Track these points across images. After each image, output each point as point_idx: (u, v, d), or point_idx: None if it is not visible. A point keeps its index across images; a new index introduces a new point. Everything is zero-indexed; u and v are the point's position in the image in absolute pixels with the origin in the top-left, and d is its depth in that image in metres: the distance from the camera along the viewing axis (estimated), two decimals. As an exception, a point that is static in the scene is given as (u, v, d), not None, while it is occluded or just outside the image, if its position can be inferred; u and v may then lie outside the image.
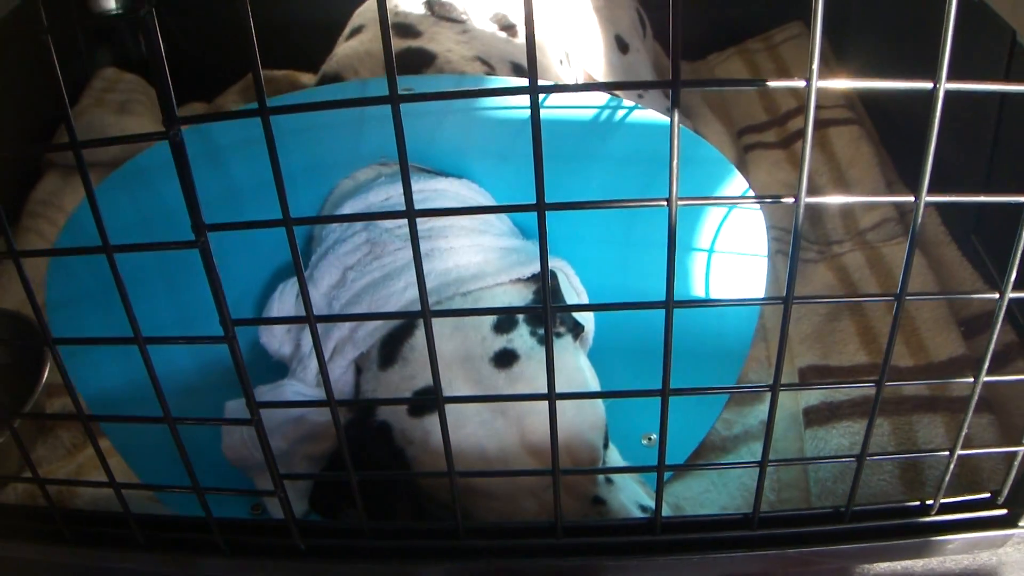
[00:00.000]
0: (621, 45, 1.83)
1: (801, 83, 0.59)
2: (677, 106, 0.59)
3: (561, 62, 1.69)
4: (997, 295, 0.76)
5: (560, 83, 1.09)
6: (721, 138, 1.96)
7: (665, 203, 0.62)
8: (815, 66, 0.58)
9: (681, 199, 0.62)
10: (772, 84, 0.64)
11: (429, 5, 1.57)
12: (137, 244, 0.67)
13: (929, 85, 0.61)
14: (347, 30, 1.62)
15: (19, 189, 1.98)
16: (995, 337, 0.79)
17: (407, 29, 1.49)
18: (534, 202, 0.61)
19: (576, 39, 1.77)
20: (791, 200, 0.65)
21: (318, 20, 2.21)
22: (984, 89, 0.69)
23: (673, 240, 0.63)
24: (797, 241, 0.67)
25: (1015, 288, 0.75)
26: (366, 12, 1.67)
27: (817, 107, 1.73)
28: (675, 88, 0.58)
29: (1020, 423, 1.24)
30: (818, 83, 0.59)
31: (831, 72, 2.09)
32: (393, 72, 0.58)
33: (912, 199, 0.68)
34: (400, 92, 0.59)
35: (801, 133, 1.81)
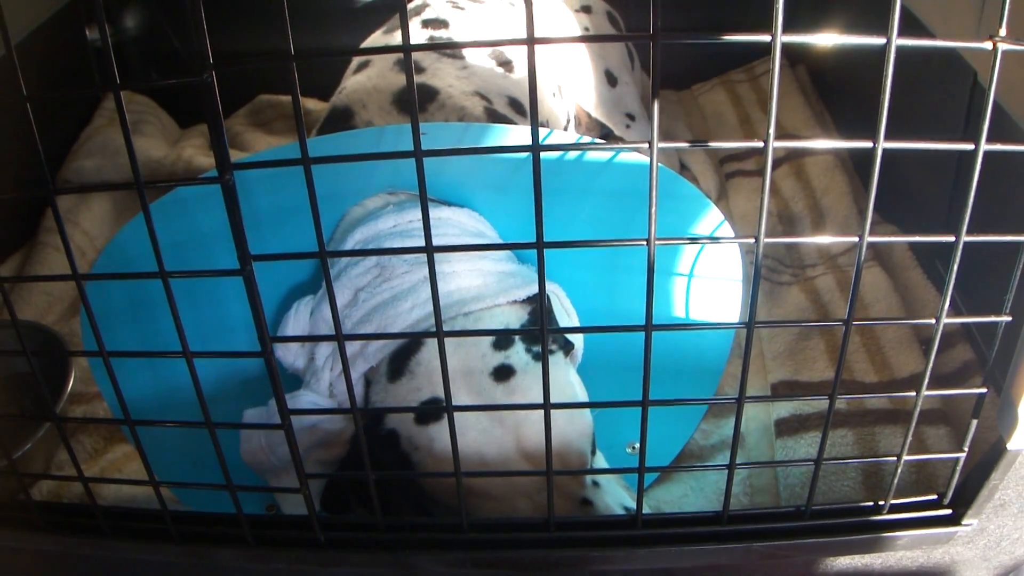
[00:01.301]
0: (611, 79, 1.93)
1: (767, 37, 0.67)
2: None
3: (554, 95, 1.80)
4: (933, 320, 0.85)
5: (560, 142, 1.19)
6: (704, 166, 2.06)
7: (645, 243, 0.73)
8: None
9: (659, 239, 0.73)
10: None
11: (431, 42, 1.67)
12: (191, 271, 0.77)
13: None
14: (353, 63, 1.71)
15: (37, 205, 2.07)
16: (932, 359, 0.88)
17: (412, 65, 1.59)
18: (534, 240, 0.72)
19: (568, 72, 1.88)
20: (751, 240, 0.75)
21: (323, 48, 2.32)
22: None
23: (651, 274, 0.74)
24: (757, 276, 0.77)
25: (974, 313, 0.83)
26: (371, 46, 1.76)
27: (795, 136, 1.83)
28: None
29: (976, 433, 1.35)
30: (782, 37, 0.66)
31: (810, 104, 2.20)
32: (417, 128, 0.69)
33: (856, 239, 0.78)
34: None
35: (779, 162, 1.92)
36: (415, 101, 0.66)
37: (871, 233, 1.72)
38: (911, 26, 1.64)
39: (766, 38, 0.67)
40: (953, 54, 1.50)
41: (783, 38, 0.66)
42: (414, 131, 0.68)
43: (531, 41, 0.64)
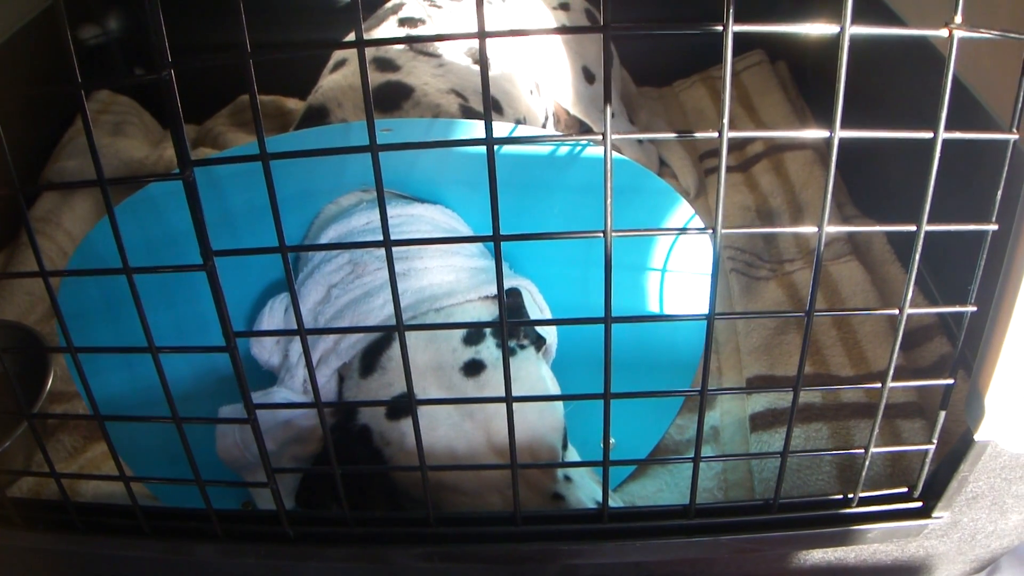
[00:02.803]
0: (588, 75, 1.94)
1: (719, 27, 0.67)
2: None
3: (531, 92, 1.80)
4: (897, 311, 0.86)
5: (514, 135, 1.20)
6: (684, 162, 2.06)
7: (602, 235, 0.73)
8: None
9: (615, 231, 0.74)
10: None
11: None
12: (154, 267, 0.77)
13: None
14: (331, 62, 1.72)
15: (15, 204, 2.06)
16: (896, 349, 0.89)
17: (387, 63, 1.60)
18: (491, 234, 0.73)
19: (546, 70, 1.88)
20: (709, 231, 0.76)
21: (278, 43, 2.33)
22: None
23: (608, 266, 0.75)
24: (716, 268, 0.78)
25: (949, 303, 0.82)
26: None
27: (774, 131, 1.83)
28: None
29: (948, 425, 1.36)
30: (733, 27, 0.66)
31: (790, 100, 2.21)
32: (372, 122, 0.69)
33: (815, 229, 0.79)
34: (380, 131, 0.70)
35: (758, 157, 1.93)
36: (369, 95, 0.66)
37: (847, 225, 1.72)
38: (883, 16, 1.65)
39: (717, 28, 0.67)
40: (927, 44, 1.51)
41: (734, 28, 0.67)
42: (369, 126, 0.69)
43: (482, 35, 0.64)
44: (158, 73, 0.68)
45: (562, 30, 0.72)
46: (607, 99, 0.69)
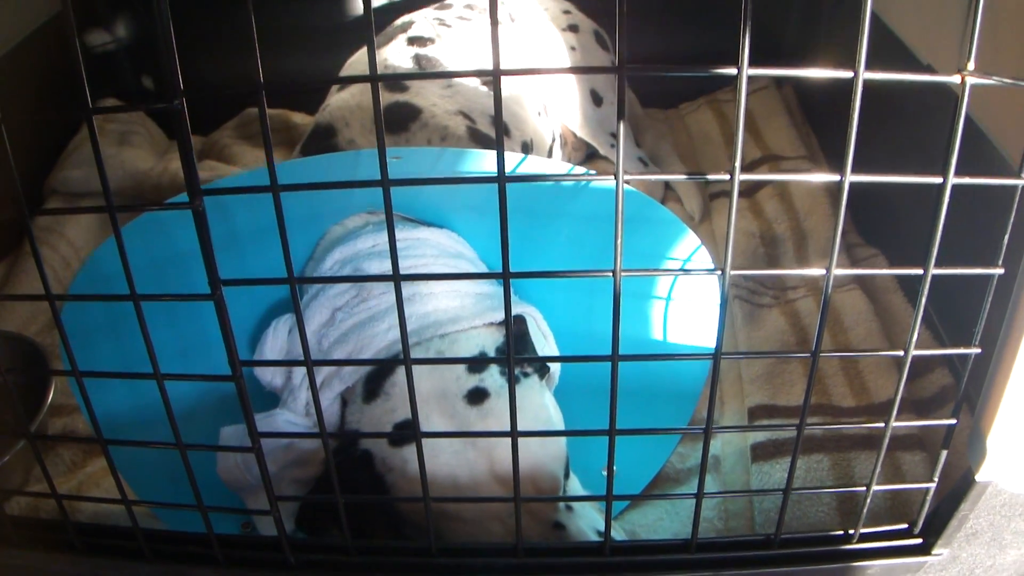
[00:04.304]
0: (596, 99, 1.94)
1: (733, 70, 0.67)
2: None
3: (540, 114, 1.81)
4: (902, 352, 0.86)
5: (531, 168, 1.21)
6: (688, 187, 2.06)
7: (611, 274, 0.73)
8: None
9: (624, 271, 0.73)
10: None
11: (416, 59, 1.68)
12: (161, 295, 0.77)
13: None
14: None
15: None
16: (900, 390, 0.88)
17: (395, 83, 1.60)
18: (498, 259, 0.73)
19: (554, 92, 1.89)
20: (718, 272, 0.76)
21: (310, 63, 2.33)
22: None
23: (617, 306, 0.75)
24: (723, 307, 0.78)
25: (953, 338, 0.82)
26: (356, 64, 1.77)
27: (780, 158, 1.83)
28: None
29: (949, 461, 1.36)
30: (748, 71, 0.66)
31: (795, 125, 2.21)
32: (384, 157, 0.69)
33: (823, 271, 0.79)
34: (390, 159, 0.70)
35: (762, 184, 1.92)
36: (382, 129, 0.66)
37: (850, 255, 1.72)
38: (898, 54, 1.65)
39: (732, 71, 0.67)
40: (941, 84, 1.51)
41: (748, 71, 0.67)
42: (381, 160, 0.69)
43: (497, 73, 0.64)
44: (170, 102, 0.68)
45: (577, 69, 0.73)
46: (619, 136, 0.69)
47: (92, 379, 1.20)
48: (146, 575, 1.03)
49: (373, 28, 0.66)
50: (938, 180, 0.76)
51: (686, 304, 1.31)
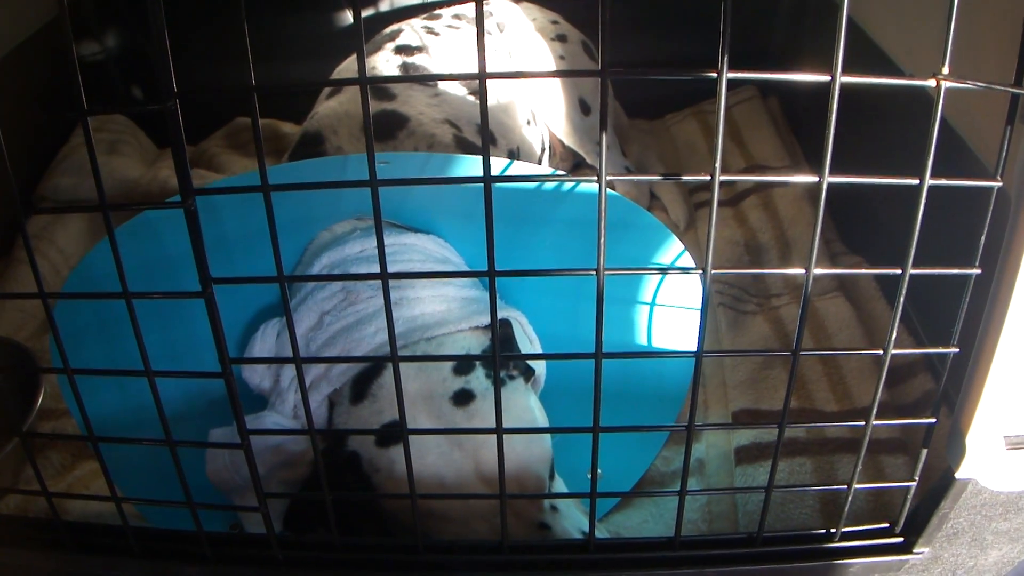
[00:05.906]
0: (584, 107, 1.95)
1: (713, 73, 0.70)
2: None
3: (528, 122, 1.82)
4: (882, 351, 0.87)
5: (512, 173, 1.22)
6: (674, 195, 2.08)
7: (595, 272, 0.75)
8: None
9: (607, 269, 0.75)
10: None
11: (404, 68, 1.70)
12: (153, 292, 0.79)
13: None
14: (327, 88, 1.73)
15: (12, 221, 2.07)
16: (880, 389, 0.90)
17: (382, 92, 1.61)
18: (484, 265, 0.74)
19: (542, 100, 1.90)
20: (700, 271, 0.77)
21: (299, 73, 2.34)
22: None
23: (600, 303, 0.76)
24: (705, 307, 0.79)
25: (935, 342, 0.83)
26: (345, 71, 1.78)
27: (765, 168, 1.85)
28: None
29: (930, 462, 1.37)
30: (728, 73, 0.69)
31: (780, 136, 2.23)
32: (373, 158, 0.71)
33: (803, 271, 0.80)
34: (378, 164, 0.71)
35: (748, 193, 1.94)
36: (370, 132, 0.68)
37: (835, 263, 1.73)
38: (877, 60, 1.67)
39: (712, 74, 0.69)
40: (919, 88, 1.53)
41: (728, 75, 0.68)
42: (370, 161, 0.70)
43: (483, 76, 0.66)
44: (163, 103, 0.70)
45: (561, 73, 0.74)
46: (603, 138, 0.71)
47: (82, 382, 1.22)
48: (135, 572, 1.04)
49: (363, 33, 0.67)
50: (915, 182, 0.78)
51: (671, 311, 1.32)
